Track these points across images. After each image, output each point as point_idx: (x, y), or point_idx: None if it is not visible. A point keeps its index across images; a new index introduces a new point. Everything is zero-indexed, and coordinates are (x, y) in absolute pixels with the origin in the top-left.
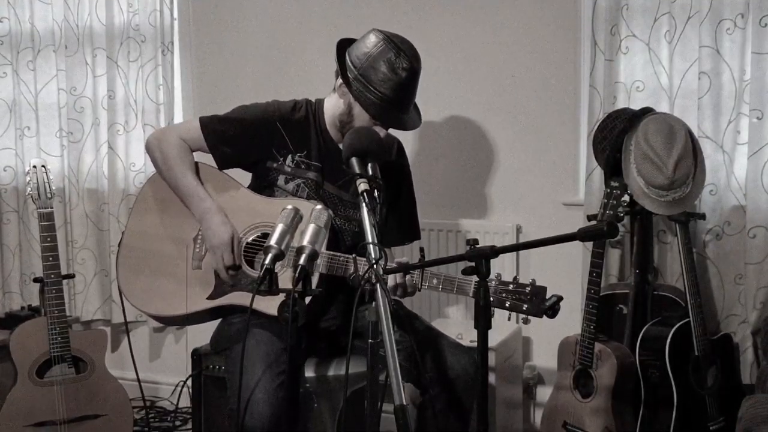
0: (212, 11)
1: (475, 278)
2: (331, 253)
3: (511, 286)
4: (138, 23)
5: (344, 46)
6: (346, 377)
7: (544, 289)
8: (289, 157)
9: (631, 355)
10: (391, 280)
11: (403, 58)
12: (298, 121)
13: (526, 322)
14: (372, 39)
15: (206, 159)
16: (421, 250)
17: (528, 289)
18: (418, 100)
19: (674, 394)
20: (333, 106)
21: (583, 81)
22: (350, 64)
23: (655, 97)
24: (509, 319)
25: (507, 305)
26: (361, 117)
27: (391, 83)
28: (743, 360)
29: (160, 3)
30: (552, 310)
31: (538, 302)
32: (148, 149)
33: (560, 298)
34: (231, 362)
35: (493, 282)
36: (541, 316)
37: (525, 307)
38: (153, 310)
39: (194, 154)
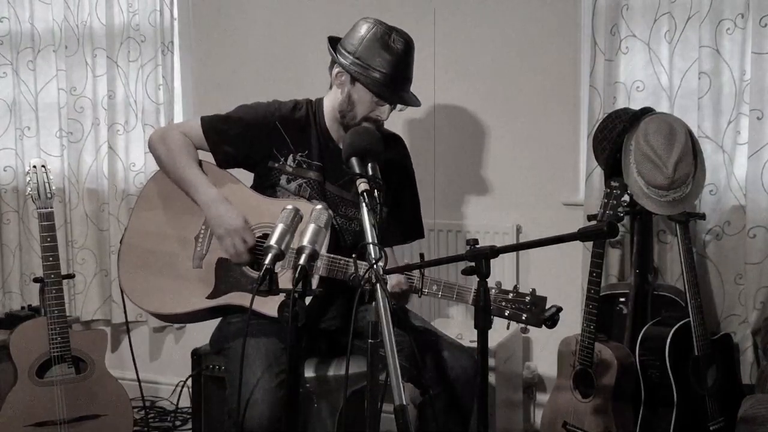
0: (212, 11)
1: (474, 287)
2: (332, 256)
3: (510, 295)
4: (138, 23)
5: (335, 41)
6: (346, 377)
7: (543, 299)
8: (290, 157)
9: (631, 355)
10: (393, 280)
11: (397, 35)
12: (298, 121)
13: (524, 331)
14: (363, 25)
15: (208, 158)
16: (421, 256)
17: (528, 298)
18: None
19: (674, 394)
20: (332, 100)
21: (583, 81)
22: (344, 51)
23: (655, 97)
24: (508, 328)
25: (506, 314)
26: (362, 100)
27: (388, 60)
28: (743, 360)
29: (160, 3)
30: (551, 321)
31: (537, 312)
32: (151, 146)
33: (560, 309)
34: (231, 362)
35: (493, 290)
36: (540, 326)
37: (524, 316)
38: (153, 307)
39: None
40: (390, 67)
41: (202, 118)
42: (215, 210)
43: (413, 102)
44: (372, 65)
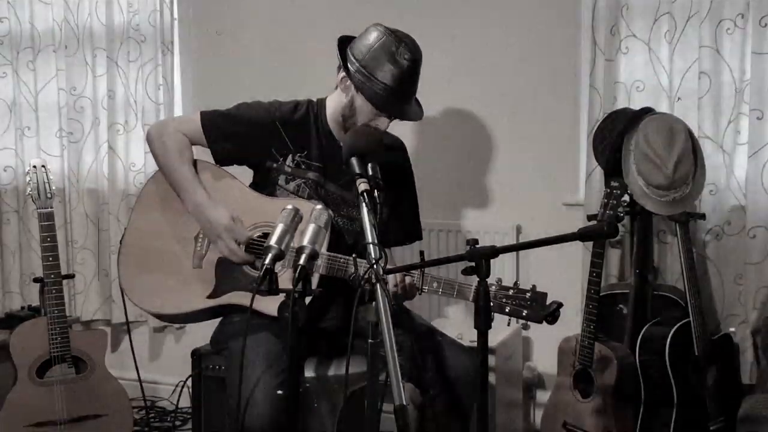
0: (212, 11)
1: (475, 283)
2: (331, 254)
3: (511, 291)
4: (138, 23)
5: (345, 42)
6: (346, 377)
7: (544, 295)
8: (289, 157)
9: (631, 355)
10: (392, 280)
11: (405, 48)
12: (298, 122)
13: (525, 327)
14: (373, 33)
15: (208, 156)
16: (421, 253)
17: (528, 294)
18: (418, 98)
19: (674, 394)
20: (335, 102)
21: (583, 81)
22: (352, 57)
23: (655, 97)
24: (509, 324)
25: (507, 310)
26: (363, 110)
27: (393, 73)
28: (743, 360)
29: (160, 3)
30: (552, 316)
31: (538, 308)
32: (149, 140)
33: (560, 305)
34: (231, 362)
35: (493, 287)
36: (541, 322)
37: (525, 312)
38: (153, 307)
39: (195, 149)
40: (393, 81)
41: (202, 114)
42: (202, 215)
43: (414, 116)
44: (376, 76)
